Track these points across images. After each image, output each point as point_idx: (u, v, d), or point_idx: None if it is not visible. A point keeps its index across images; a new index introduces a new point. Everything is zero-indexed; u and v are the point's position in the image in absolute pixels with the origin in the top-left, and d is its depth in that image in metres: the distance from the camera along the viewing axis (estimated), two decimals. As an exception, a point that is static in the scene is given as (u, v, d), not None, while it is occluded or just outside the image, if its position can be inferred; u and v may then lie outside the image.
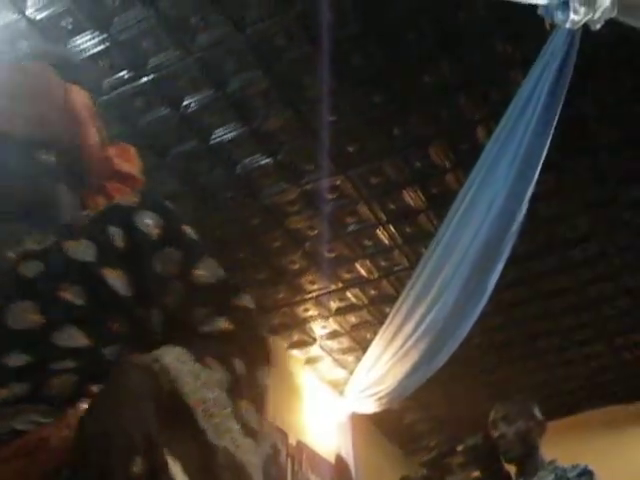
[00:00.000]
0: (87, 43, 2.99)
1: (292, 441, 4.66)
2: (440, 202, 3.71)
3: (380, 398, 3.96)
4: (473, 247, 3.06)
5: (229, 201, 3.82)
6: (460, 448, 2.64)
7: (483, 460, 2.57)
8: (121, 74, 3.12)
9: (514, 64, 3.16)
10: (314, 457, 4.84)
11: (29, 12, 2.86)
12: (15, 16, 2.86)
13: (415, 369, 3.54)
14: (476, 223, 3.04)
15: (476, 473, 2.56)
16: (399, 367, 3.64)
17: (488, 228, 3.01)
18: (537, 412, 2.60)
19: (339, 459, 4.77)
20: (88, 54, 3.02)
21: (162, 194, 3.71)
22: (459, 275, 3.13)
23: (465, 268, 3.12)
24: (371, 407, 4.35)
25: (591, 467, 2.39)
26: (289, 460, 4.59)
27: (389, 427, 5.77)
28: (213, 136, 3.45)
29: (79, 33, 2.95)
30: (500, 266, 3.04)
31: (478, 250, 3.05)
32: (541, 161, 2.92)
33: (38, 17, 2.88)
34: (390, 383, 3.81)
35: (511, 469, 2.58)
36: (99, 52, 3.02)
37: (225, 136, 3.44)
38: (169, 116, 3.32)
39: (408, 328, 3.48)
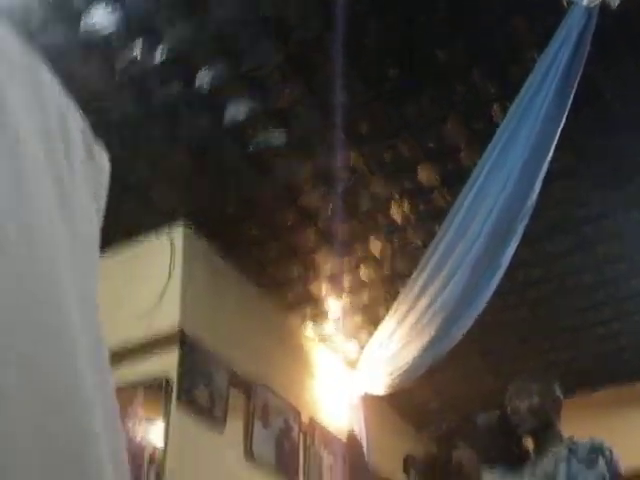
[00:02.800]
0: (102, 18, 2.99)
1: (305, 418, 4.71)
2: (454, 180, 3.70)
3: (393, 377, 3.98)
4: (487, 225, 3.06)
5: (242, 178, 3.83)
6: (476, 423, 2.66)
7: (499, 436, 2.59)
8: (135, 52, 3.12)
9: (530, 41, 3.13)
10: (326, 434, 4.89)
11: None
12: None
13: (428, 347, 3.55)
14: (490, 201, 3.04)
15: (494, 446, 2.58)
16: (412, 344, 3.65)
17: (502, 206, 3.00)
18: (554, 388, 2.60)
19: (351, 436, 4.81)
20: (103, 32, 3.02)
21: (175, 169, 3.78)
22: (473, 253, 3.13)
23: (479, 246, 3.11)
24: (383, 389, 4.37)
25: (607, 443, 2.39)
26: (301, 437, 4.64)
27: (401, 405, 5.80)
28: (227, 112, 3.45)
29: (94, 6, 2.95)
30: (514, 244, 3.04)
31: (492, 228, 3.04)
32: (556, 139, 2.90)
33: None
34: (403, 361, 3.82)
35: (530, 445, 2.59)
36: (114, 31, 3.02)
37: (239, 112, 3.44)
38: (183, 92, 3.32)
39: (421, 306, 3.49)
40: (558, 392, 2.60)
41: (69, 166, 0.96)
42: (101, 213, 1.06)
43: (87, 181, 1.01)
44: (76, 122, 1.01)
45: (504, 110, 3.26)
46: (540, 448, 2.51)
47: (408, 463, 2.76)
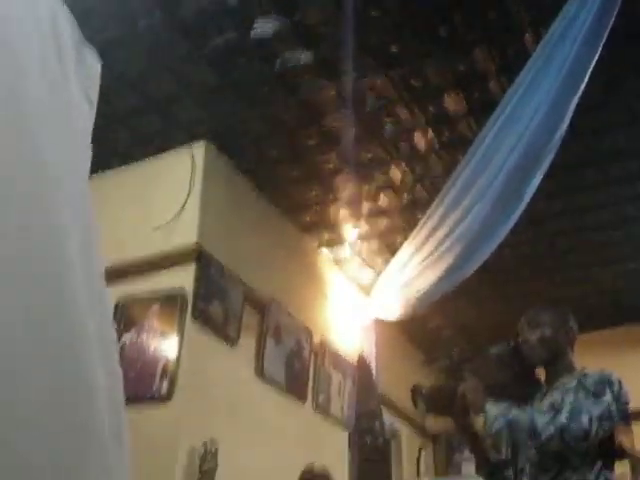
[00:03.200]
0: None
1: (316, 339, 4.77)
2: (481, 108, 3.63)
3: (407, 303, 4.01)
4: (512, 156, 3.01)
5: (266, 96, 3.78)
6: (486, 354, 2.66)
7: (510, 367, 2.60)
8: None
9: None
10: (337, 355, 4.96)
11: None
12: None
13: (444, 275, 3.56)
14: (517, 132, 2.98)
15: (504, 378, 2.59)
16: (429, 272, 3.66)
17: (529, 138, 2.95)
18: (568, 319, 2.59)
19: (361, 358, 4.89)
20: None
21: (199, 86, 3.74)
22: (495, 185, 3.10)
23: (502, 178, 3.08)
24: (396, 313, 4.41)
25: (616, 375, 2.38)
26: (312, 356, 4.71)
27: (413, 331, 5.87)
28: (254, 28, 3.37)
29: None
30: (539, 177, 3.00)
31: (517, 160, 3.00)
32: (589, 72, 2.82)
33: None
34: (418, 287, 3.84)
35: (542, 377, 2.60)
36: None
37: (266, 28, 3.36)
38: (209, 5, 3.24)
39: (440, 234, 3.48)
40: (572, 324, 2.58)
41: (60, 64, 0.95)
42: (94, 110, 1.07)
43: (79, 79, 1.02)
44: (67, 25, 1.01)
45: (538, 38, 3.17)
46: (551, 380, 2.52)
47: (415, 393, 2.79)
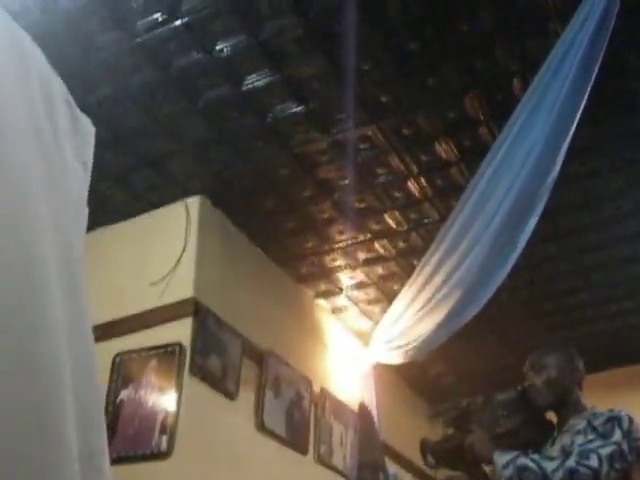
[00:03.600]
0: (120, -16, 2.97)
1: (316, 388, 4.73)
2: (473, 155, 3.67)
3: (406, 350, 3.98)
4: (506, 201, 3.03)
5: (259, 149, 3.82)
6: (495, 401, 2.64)
7: (518, 412, 2.57)
8: (155, 16, 3.10)
9: (553, 14, 3.08)
10: (337, 404, 4.91)
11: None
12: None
13: (443, 322, 3.54)
14: (510, 177, 3.01)
15: (514, 424, 2.56)
16: (426, 320, 3.64)
17: (522, 182, 2.97)
18: (573, 359, 2.57)
19: (362, 407, 4.83)
20: (122, -5, 3.00)
21: (193, 141, 3.79)
22: (491, 229, 3.10)
23: (497, 222, 3.09)
24: (395, 358, 4.38)
25: (625, 413, 2.35)
26: (312, 406, 4.67)
27: (414, 379, 5.82)
28: (245, 82, 3.42)
29: (113, -26, 2.93)
30: (533, 221, 3.01)
31: (511, 204, 3.01)
32: (578, 115, 2.86)
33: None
34: (417, 335, 3.82)
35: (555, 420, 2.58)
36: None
37: (257, 82, 3.41)
38: (202, 61, 3.30)
39: (437, 281, 3.48)
40: (577, 363, 2.55)
41: (52, 127, 0.97)
42: (88, 174, 1.09)
43: (72, 145, 1.04)
44: (60, 91, 1.04)
45: (525, 84, 3.22)
46: (561, 422, 2.49)
47: (424, 447, 2.76)
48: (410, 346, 3.99)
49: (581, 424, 2.40)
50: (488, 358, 5.65)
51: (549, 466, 2.28)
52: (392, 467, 5.20)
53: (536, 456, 2.38)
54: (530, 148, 2.95)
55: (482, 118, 3.59)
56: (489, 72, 3.36)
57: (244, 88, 3.44)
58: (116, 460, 3.53)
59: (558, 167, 2.90)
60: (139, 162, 3.91)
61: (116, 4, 3.05)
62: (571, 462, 2.25)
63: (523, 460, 2.34)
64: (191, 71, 3.35)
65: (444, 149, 3.80)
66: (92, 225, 4.77)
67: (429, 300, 3.65)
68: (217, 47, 3.23)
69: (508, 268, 3.20)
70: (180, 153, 3.85)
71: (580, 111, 2.82)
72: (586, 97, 2.80)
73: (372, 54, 3.27)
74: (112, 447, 3.56)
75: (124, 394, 3.74)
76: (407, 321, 3.93)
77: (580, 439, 2.33)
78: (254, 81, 3.41)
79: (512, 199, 3.04)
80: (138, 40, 3.18)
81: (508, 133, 3.06)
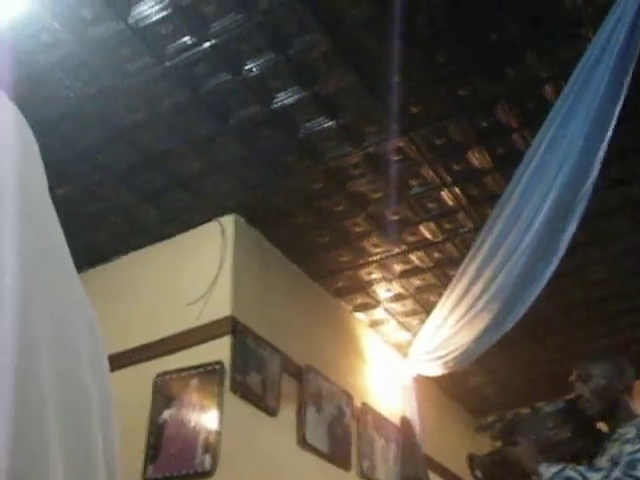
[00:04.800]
0: (150, 10, 3.00)
1: (357, 403, 4.71)
2: (506, 163, 3.64)
3: (446, 362, 3.95)
4: (543, 208, 2.99)
5: (291, 165, 3.83)
6: (542, 413, 2.60)
7: (566, 423, 2.53)
8: (184, 40, 3.13)
9: (584, 20, 3.05)
10: (379, 419, 4.88)
11: (93, -18, 2.89)
12: (78, -14, 2.89)
13: (483, 332, 3.50)
14: (546, 183, 2.97)
15: (563, 436, 2.52)
16: (466, 330, 3.61)
17: (559, 188, 2.93)
18: (621, 367, 2.52)
19: (404, 420, 4.80)
20: (151, 20, 3.04)
21: (225, 160, 3.81)
22: (529, 237, 3.07)
23: (535, 229, 3.05)
24: (436, 370, 4.34)
25: None
26: (354, 421, 4.64)
27: (455, 390, 5.77)
28: (275, 100, 3.44)
29: (141, 0, 2.97)
30: (573, 227, 2.96)
31: (549, 211, 2.98)
32: (613, 120, 2.82)
33: (101, -13, 2.90)
34: (456, 346, 3.78)
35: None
36: (162, 18, 3.03)
37: (287, 100, 3.43)
38: (231, 81, 3.32)
39: (475, 291, 3.44)
40: (626, 370, 2.51)
41: None
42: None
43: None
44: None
45: (558, 90, 3.19)
46: (611, 431, 2.44)
47: (471, 462, 2.72)
48: (450, 357, 3.96)
49: (630, 432, 2.35)
50: (529, 367, 5.58)
51: (595, 477, 2.23)
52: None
53: (582, 468, 2.33)
54: (566, 153, 2.91)
55: (515, 125, 3.56)
56: (520, 79, 3.33)
57: (274, 106, 3.46)
58: (161, 480, 3.56)
59: (596, 171, 2.86)
60: (172, 184, 3.94)
61: (146, 31, 3.08)
62: (617, 473, 2.20)
63: (569, 472, 2.30)
64: (221, 91, 3.38)
65: (477, 158, 3.77)
66: (127, 248, 4.84)
67: (468, 310, 3.62)
68: (246, 67, 3.26)
69: (548, 275, 3.16)
70: (213, 173, 3.88)
71: (616, 113, 2.78)
72: (621, 102, 2.76)
73: (401, 66, 3.26)
74: (156, 467, 3.60)
75: (166, 414, 3.76)
76: (446, 332, 3.90)
77: (628, 448, 2.28)
78: (284, 98, 3.42)
79: (550, 205, 3.00)
80: (168, 64, 3.22)
81: (542, 139, 3.03)
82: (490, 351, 3.96)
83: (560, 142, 2.95)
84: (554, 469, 2.34)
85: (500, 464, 2.66)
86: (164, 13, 3.01)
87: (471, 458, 2.78)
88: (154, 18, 3.03)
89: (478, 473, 2.74)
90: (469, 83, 3.36)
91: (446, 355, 3.92)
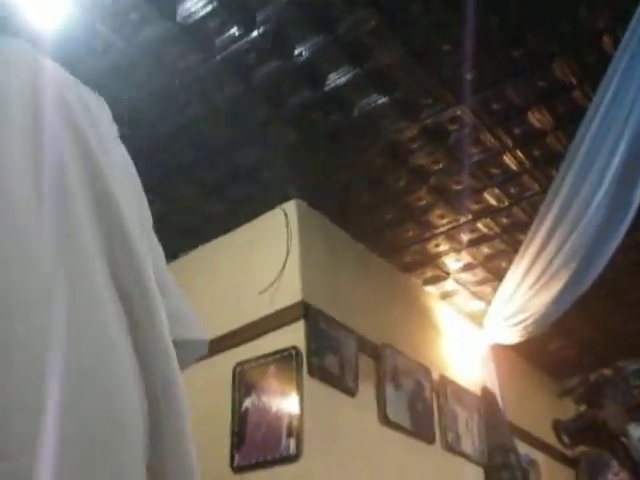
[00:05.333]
0: (196, 6, 3.02)
1: (435, 376, 4.69)
2: (569, 120, 3.55)
3: (525, 326, 3.90)
4: (613, 161, 2.92)
5: (349, 145, 3.81)
6: (625, 372, 2.55)
7: None
8: (231, 32, 3.14)
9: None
10: (459, 390, 4.86)
11: (139, -17, 2.91)
12: (124, -11, 2.93)
13: (561, 293, 3.45)
14: (614, 136, 2.89)
15: None
16: (543, 293, 3.56)
17: (628, 139, 2.85)
18: None
19: (485, 390, 4.77)
20: (198, 16, 3.05)
21: (283, 146, 3.82)
22: (601, 192, 3.00)
23: (606, 184, 2.98)
24: (513, 337, 4.30)
25: None
26: (434, 395, 4.63)
27: (533, 354, 5.69)
28: (327, 82, 3.42)
29: (187, -3, 2.99)
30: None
31: (618, 164, 2.90)
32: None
33: (146, -13, 2.93)
34: (534, 310, 3.74)
35: None
36: (208, 13, 3.04)
37: (339, 80, 3.41)
38: (282, 67, 3.32)
39: (548, 252, 3.39)
40: None
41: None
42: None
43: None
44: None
45: (616, 41, 3.08)
46: None
47: (557, 428, 2.70)
48: (529, 321, 3.91)
49: None
50: (608, 326, 5.46)
51: None
52: (522, 447, 5.11)
53: None
54: (632, 104, 2.83)
55: (574, 82, 3.45)
56: (576, 33, 3.23)
57: (327, 88, 3.44)
58: (248, 467, 3.63)
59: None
60: (234, 175, 3.98)
61: (193, 27, 3.10)
62: None
63: None
64: (273, 79, 3.38)
65: (538, 118, 3.68)
66: (196, 243, 4.90)
67: (542, 273, 3.57)
68: (295, 52, 3.25)
69: (624, 229, 3.08)
70: (272, 160, 3.89)
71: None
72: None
73: (451, 34, 3.20)
74: (243, 454, 3.67)
75: (248, 402, 3.82)
76: (522, 297, 3.86)
77: None
78: (336, 79, 3.41)
79: (619, 158, 2.93)
80: (218, 57, 3.23)
81: (605, 92, 2.95)
82: (567, 312, 3.90)
83: (625, 93, 2.87)
84: None
85: (586, 428, 2.62)
86: (209, 7, 3.02)
87: (556, 424, 2.75)
88: (200, 14, 3.04)
89: (565, 438, 2.71)
90: (522, 43, 3.27)
91: (524, 320, 3.87)
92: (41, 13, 2.98)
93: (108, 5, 2.99)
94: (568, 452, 4.81)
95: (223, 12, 3.06)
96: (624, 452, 2.55)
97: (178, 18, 3.07)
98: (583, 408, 2.78)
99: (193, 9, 3.03)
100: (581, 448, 4.91)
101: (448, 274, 4.90)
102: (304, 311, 3.85)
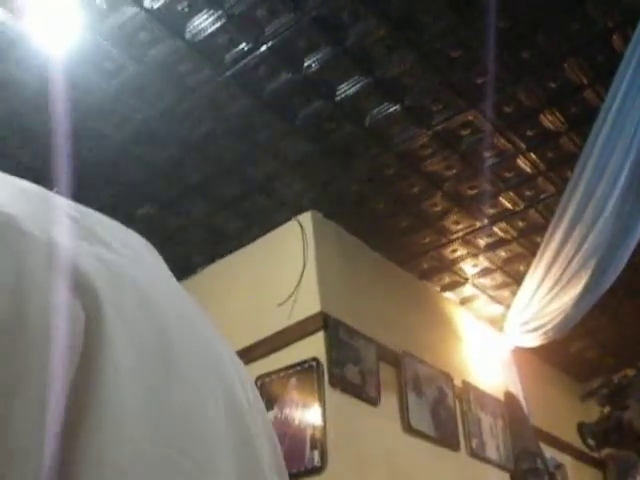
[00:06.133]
0: (204, 23, 3.04)
1: (457, 382, 4.67)
2: (581, 121, 3.54)
3: (545, 331, 3.87)
4: (627, 160, 2.91)
5: (362, 154, 3.82)
6: None
7: None
8: (241, 47, 3.16)
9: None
10: (482, 396, 4.83)
11: (146, 3, 2.94)
12: (134, 9, 2.95)
13: (581, 294, 3.43)
14: (628, 134, 2.88)
15: None
16: (562, 295, 3.54)
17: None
18: None
19: (508, 395, 4.74)
20: (207, 33, 3.07)
21: (296, 158, 3.84)
22: (617, 191, 2.98)
23: (622, 183, 2.96)
24: (535, 341, 4.27)
25: None
26: (457, 401, 4.60)
27: (556, 357, 5.64)
28: (338, 92, 3.43)
29: (196, 14, 3.01)
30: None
31: (634, 162, 2.88)
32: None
33: (155, 6, 2.95)
34: (554, 314, 3.71)
35: None
36: (217, 29, 3.06)
37: (350, 90, 3.42)
38: (292, 80, 3.33)
39: (566, 254, 3.37)
40: None
41: None
42: None
43: None
44: None
45: (626, 39, 3.07)
46: None
47: (582, 431, 2.67)
48: (549, 326, 3.88)
49: None
50: (630, 326, 5.41)
51: None
52: (549, 451, 5.07)
53: None
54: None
55: (586, 82, 3.44)
56: (585, 33, 3.22)
57: (338, 98, 3.45)
58: (274, 480, 3.61)
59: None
60: (248, 189, 3.99)
61: (203, 44, 3.12)
62: None
63: None
64: (284, 92, 3.39)
65: (550, 120, 3.67)
66: (212, 257, 4.90)
67: (561, 275, 3.56)
68: (305, 64, 3.26)
69: (640, 230, 3.06)
70: (286, 173, 3.91)
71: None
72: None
73: (459, 39, 3.21)
74: (268, 468, 3.67)
75: (271, 415, 3.81)
76: (541, 300, 3.83)
77: None
78: (346, 89, 3.42)
79: (634, 156, 2.91)
80: (228, 73, 3.25)
81: (617, 91, 2.94)
82: (588, 313, 3.87)
83: (637, 91, 2.85)
84: None
85: (612, 430, 2.60)
86: (218, 24, 3.04)
87: (581, 427, 2.73)
88: (209, 30, 3.06)
89: (590, 441, 2.69)
90: (532, 44, 3.27)
91: (545, 324, 3.85)
92: (52, 37, 3.02)
93: (117, 26, 3.02)
94: (595, 454, 4.77)
95: (231, 28, 3.07)
96: None
97: (187, 36, 3.09)
98: (607, 410, 2.75)
99: (202, 26, 3.05)
100: (607, 450, 4.86)
101: (466, 279, 4.88)
102: (323, 322, 3.85)
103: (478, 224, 4.38)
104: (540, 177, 4.04)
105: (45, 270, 0.50)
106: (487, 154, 3.86)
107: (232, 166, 3.82)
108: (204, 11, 3.00)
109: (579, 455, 5.68)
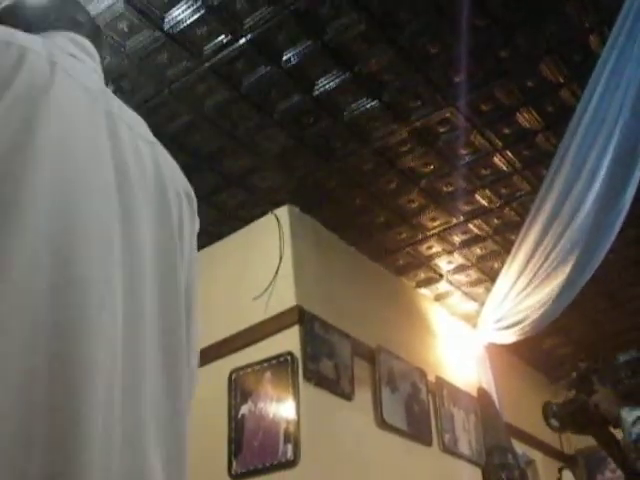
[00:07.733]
0: (183, 14, 3.02)
1: (431, 378, 4.70)
2: (557, 119, 3.57)
3: (522, 327, 3.90)
4: (604, 159, 2.93)
5: (340, 149, 3.82)
6: (617, 362, 2.56)
7: None
8: (220, 38, 3.14)
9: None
10: (455, 391, 4.86)
11: (124, -8, 2.92)
12: (112, -1, 2.93)
13: (559, 293, 3.45)
14: (603, 135, 2.90)
15: (637, 384, 2.49)
16: (538, 293, 3.56)
17: (618, 138, 2.86)
18: None
19: (481, 391, 4.78)
20: (186, 24, 3.06)
21: (273, 152, 3.83)
22: (594, 189, 3.01)
23: (599, 181, 2.99)
24: (508, 337, 4.30)
25: None
26: (430, 397, 4.63)
27: (529, 354, 5.71)
28: (317, 87, 3.43)
29: (175, 5, 2.99)
30: (637, 175, 2.89)
31: (610, 162, 2.91)
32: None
33: (133, -4, 2.93)
34: (530, 311, 3.74)
35: None
36: (196, 20, 3.04)
37: (328, 85, 3.42)
38: (271, 73, 3.33)
39: (541, 252, 3.40)
40: None
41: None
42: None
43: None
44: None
45: (603, 39, 3.10)
46: None
47: (547, 411, 2.70)
48: (527, 322, 3.91)
49: None
50: (600, 323, 5.48)
51: None
52: (520, 447, 5.12)
53: None
54: (622, 101, 2.84)
55: (562, 81, 3.47)
56: (562, 33, 3.25)
57: (316, 93, 3.45)
58: (246, 474, 3.62)
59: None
60: (225, 182, 3.98)
61: (182, 35, 3.11)
62: None
63: None
64: (262, 85, 3.38)
65: (527, 118, 3.70)
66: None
67: (536, 273, 3.57)
68: (284, 57, 3.26)
69: (617, 228, 3.09)
70: (263, 166, 3.90)
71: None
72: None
73: (438, 36, 3.21)
74: (241, 461, 3.66)
75: (244, 409, 3.81)
76: (516, 297, 3.86)
77: None
78: (325, 84, 3.42)
79: (612, 154, 2.94)
80: (207, 65, 3.24)
81: (594, 90, 2.96)
82: (562, 311, 3.90)
83: (614, 90, 2.88)
84: (638, 412, 2.31)
85: (577, 412, 2.63)
86: (197, 15, 3.03)
87: (546, 407, 2.76)
88: (188, 21, 3.04)
89: (554, 422, 2.72)
90: (510, 44, 3.29)
91: (521, 321, 3.87)
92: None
93: (95, 15, 2.99)
94: (556, 432, 4.83)
95: (211, 20, 3.06)
96: (613, 441, 2.56)
97: (166, 27, 3.07)
98: (572, 393, 2.79)
99: (180, 17, 3.04)
100: (578, 446, 4.93)
101: (441, 276, 4.91)
102: (299, 316, 3.85)
103: (454, 221, 4.40)
104: (516, 175, 4.07)
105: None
106: (464, 151, 3.88)
107: (210, 158, 3.81)
108: (183, 2, 2.98)
109: (550, 451, 5.75)
